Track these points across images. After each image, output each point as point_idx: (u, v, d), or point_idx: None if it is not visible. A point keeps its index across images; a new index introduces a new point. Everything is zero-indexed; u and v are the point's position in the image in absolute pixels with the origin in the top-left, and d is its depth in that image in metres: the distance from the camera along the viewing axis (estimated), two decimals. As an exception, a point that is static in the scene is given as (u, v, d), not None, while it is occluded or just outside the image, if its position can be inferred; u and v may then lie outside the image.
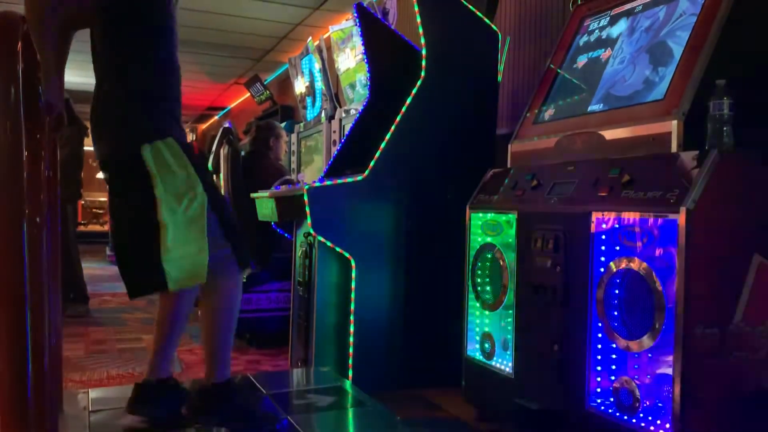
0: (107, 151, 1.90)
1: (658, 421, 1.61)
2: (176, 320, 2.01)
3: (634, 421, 1.66)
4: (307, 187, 2.65)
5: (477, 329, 2.41)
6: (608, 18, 2.29)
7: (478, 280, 2.37)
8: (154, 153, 1.81)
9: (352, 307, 2.69)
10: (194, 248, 1.81)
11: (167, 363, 2.03)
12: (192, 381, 2.14)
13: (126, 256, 1.89)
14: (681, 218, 1.52)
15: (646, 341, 1.63)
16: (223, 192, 3.81)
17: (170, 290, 1.83)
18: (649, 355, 1.65)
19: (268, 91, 7.66)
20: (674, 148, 1.72)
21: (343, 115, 4.42)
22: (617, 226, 1.74)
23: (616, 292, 1.73)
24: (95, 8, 1.89)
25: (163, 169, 1.81)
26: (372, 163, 2.71)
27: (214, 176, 4.07)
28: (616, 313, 1.73)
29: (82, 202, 11.45)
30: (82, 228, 11.06)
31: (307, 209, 2.61)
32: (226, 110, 11.18)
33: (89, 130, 1.96)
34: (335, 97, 4.91)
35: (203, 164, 1.97)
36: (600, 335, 1.79)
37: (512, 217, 2.18)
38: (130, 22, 1.89)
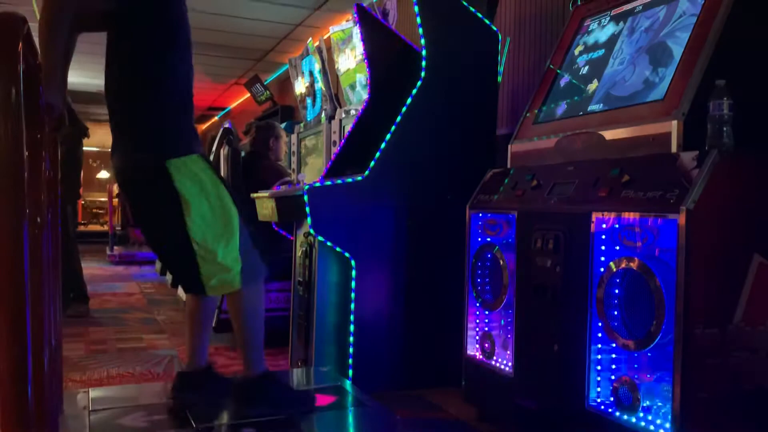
0: (131, 164, 1.92)
1: (658, 421, 1.61)
2: (207, 314, 2.14)
3: (634, 420, 1.67)
4: (307, 187, 2.65)
5: (477, 329, 2.41)
6: (608, 18, 2.29)
7: (478, 280, 2.37)
8: (182, 169, 1.84)
9: (352, 307, 2.69)
10: (227, 261, 1.89)
11: (204, 351, 2.13)
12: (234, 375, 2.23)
13: (167, 263, 2.07)
14: (681, 218, 1.52)
15: (646, 341, 1.63)
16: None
17: (207, 294, 1.95)
18: (649, 354, 1.66)
19: (268, 91, 7.66)
20: (674, 148, 1.72)
21: (343, 115, 4.42)
22: (617, 226, 1.75)
23: (616, 291, 1.73)
24: (111, 14, 1.90)
25: (190, 185, 1.84)
26: (372, 163, 2.71)
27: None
28: (616, 312, 1.73)
29: (82, 202, 11.46)
30: (82, 228, 11.07)
31: (307, 209, 2.61)
32: (226, 111, 11.19)
33: (111, 141, 1.97)
34: (335, 98, 4.91)
35: (223, 177, 2.03)
36: (600, 335, 1.79)
37: (512, 217, 2.18)
38: (148, 27, 1.90)
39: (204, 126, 12.87)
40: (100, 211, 13.54)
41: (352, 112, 4.29)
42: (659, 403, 1.63)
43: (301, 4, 5.46)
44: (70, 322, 4.13)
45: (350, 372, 2.68)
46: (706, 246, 1.55)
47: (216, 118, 11.86)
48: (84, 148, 4.78)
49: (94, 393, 2.24)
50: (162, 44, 1.91)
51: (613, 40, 2.21)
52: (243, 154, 4.18)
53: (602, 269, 1.78)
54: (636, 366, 1.71)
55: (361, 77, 4.38)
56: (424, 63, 2.78)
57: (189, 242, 1.85)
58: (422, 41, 2.78)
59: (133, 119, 1.91)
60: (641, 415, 1.65)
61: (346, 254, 2.69)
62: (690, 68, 1.77)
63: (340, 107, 4.62)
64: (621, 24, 2.21)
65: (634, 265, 1.67)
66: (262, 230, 3.64)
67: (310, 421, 2.04)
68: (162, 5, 1.91)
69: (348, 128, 3.56)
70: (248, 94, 8.52)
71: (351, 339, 2.69)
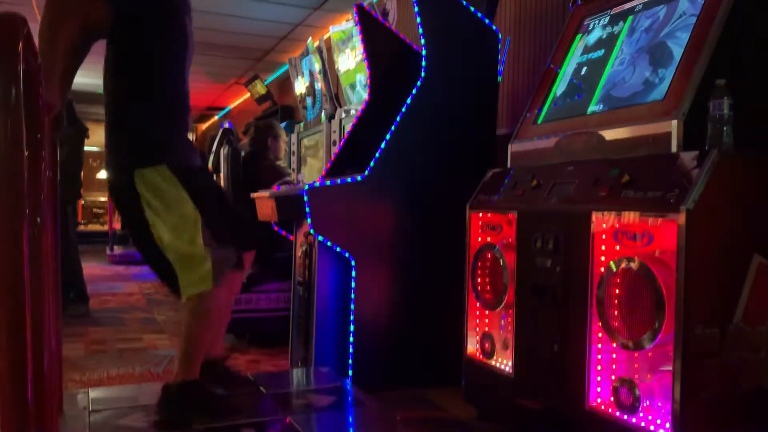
0: (109, 175, 2.05)
1: (658, 421, 1.61)
2: (217, 314, 2.09)
3: (634, 420, 1.67)
4: (307, 187, 2.65)
5: (477, 329, 2.41)
6: (608, 18, 2.29)
7: (478, 280, 2.37)
8: (145, 178, 1.92)
9: (352, 307, 2.69)
10: (195, 262, 1.93)
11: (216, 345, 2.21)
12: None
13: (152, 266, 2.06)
14: (681, 218, 1.52)
15: (646, 341, 1.63)
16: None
17: (184, 299, 1.97)
18: (649, 354, 1.66)
19: (259, 81, 7.65)
20: (674, 148, 1.72)
21: (343, 115, 4.42)
22: (617, 226, 1.75)
23: (616, 291, 1.73)
24: (109, 16, 1.92)
25: (152, 193, 1.92)
26: (372, 163, 2.70)
27: (215, 176, 4.07)
28: (616, 312, 1.73)
29: (82, 202, 11.46)
30: (82, 228, 11.06)
31: (307, 209, 2.61)
32: (226, 110, 11.19)
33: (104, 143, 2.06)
34: (335, 98, 4.91)
35: (200, 182, 2.04)
36: (600, 335, 1.79)
37: (512, 217, 2.18)
38: (143, 34, 1.94)
39: (204, 126, 12.88)
40: (100, 211, 13.53)
41: (352, 112, 4.29)
42: (659, 403, 1.63)
43: (301, 4, 5.46)
44: (70, 322, 4.13)
45: (350, 372, 2.68)
46: (706, 246, 1.55)
47: (216, 117, 11.86)
48: (84, 148, 4.78)
49: (94, 393, 2.24)
50: (151, 53, 1.95)
51: (613, 39, 2.21)
52: (243, 153, 4.18)
53: (602, 269, 1.78)
54: (636, 366, 1.71)
55: (361, 77, 4.38)
56: (424, 63, 2.78)
57: (158, 247, 1.96)
58: (422, 41, 2.78)
59: (116, 123, 2.00)
60: (641, 415, 1.65)
61: (346, 254, 2.69)
62: (690, 68, 1.77)
63: (340, 107, 4.62)
64: (621, 24, 2.21)
65: (634, 265, 1.67)
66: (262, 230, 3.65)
67: (310, 421, 2.04)
68: (158, 18, 1.94)
69: (348, 128, 3.56)
70: (248, 94, 8.52)
71: (351, 339, 2.69)
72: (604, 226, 1.79)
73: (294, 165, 5.44)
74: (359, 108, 3.48)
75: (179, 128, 2.03)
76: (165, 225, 1.93)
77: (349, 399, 2.29)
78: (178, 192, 1.92)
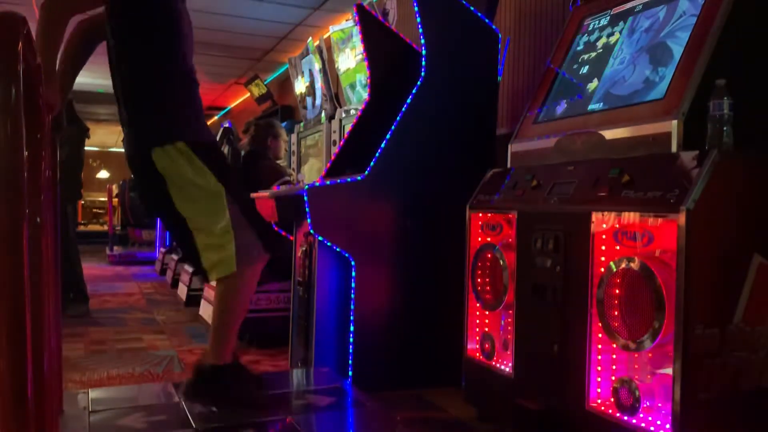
0: (126, 152, 2.05)
1: (658, 421, 1.61)
2: (245, 297, 2.09)
3: (634, 421, 1.66)
4: (307, 187, 2.65)
5: (477, 329, 2.41)
6: (608, 18, 2.29)
7: (478, 280, 2.37)
8: (164, 156, 1.92)
9: (352, 307, 2.69)
10: (218, 240, 1.94)
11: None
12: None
13: (178, 245, 2.10)
14: (681, 218, 1.52)
15: (646, 341, 1.63)
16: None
17: (209, 280, 2.01)
18: (649, 355, 1.66)
19: (258, 80, 7.65)
20: (674, 148, 1.72)
21: (343, 115, 4.42)
22: (617, 226, 1.74)
23: (616, 292, 1.73)
24: (107, 6, 1.95)
25: (172, 171, 1.92)
26: (372, 163, 2.70)
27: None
28: (616, 313, 1.73)
29: (82, 202, 11.46)
30: (82, 228, 11.07)
31: (307, 209, 2.61)
32: (226, 110, 11.19)
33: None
34: (335, 97, 4.91)
35: (219, 158, 2.06)
36: (600, 335, 1.79)
37: (512, 217, 2.18)
38: (134, 19, 1.95)
39: (204, 126, 12.84)
40: (100, 211, 13.54)
41: (352, 112, 4.29)
42: (659, 404, 1.63)
43: (301, 4, 5.46)
44: (70, 322, 4.13)
45: (350, 372, 2.67)
46: (706, 246, 1.55)
47: (216, 117, 11.86)
48: (85, 148, 4.78)
49: (93, 393, 2.24)
50: (149, 36, 1.96)
51: (613, 40, 2.21)
52: (242, 153, 4.18)
53: (602, 269, 1.78)
54: (636, 366, 1.71)
55: (361, 77, 4.38)
56: (424, 63, 2.78)
57: (185, 223, 1.95)
58: (422, 41, 2.78)
59: (129, 107, 2.00)
60: (641, 415, 1.65)
61: (346, 254, 2.69)
62: (690, 68, 1.77)
63: (340, 107, 4.62)
64: (621, 24, 2.21)
65: (634, 265, 1.67)
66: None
67: (310, 422, 2.04)
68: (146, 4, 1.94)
69: (348, 128, 3.56)
70: (248, 94, 8.52)
71: (351, 339, 2.69)
72: (604, 226, 1.79)
73: (294, 165, 5.44)
74: (359, 108, 3.48)
75: (191, 105, 2.04)
76: (188, 202, 1.94)
77: (349, 399, 2.29)
78: (200, 167, 1.93)
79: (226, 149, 3.93)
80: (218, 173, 1.95)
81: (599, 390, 1.80)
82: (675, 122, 1.72)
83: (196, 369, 2.04)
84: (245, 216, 1.99)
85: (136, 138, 1.99)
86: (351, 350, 2.68)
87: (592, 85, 2.18)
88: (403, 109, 2.76)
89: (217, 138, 5.24)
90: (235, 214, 1.95)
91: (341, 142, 3.32)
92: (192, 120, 2.01)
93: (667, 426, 1.57)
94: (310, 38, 5.28)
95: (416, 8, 2.76)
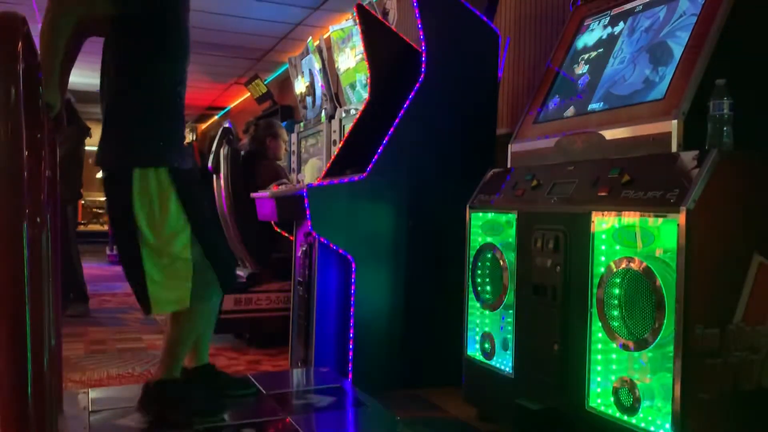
0: (103, 163, 1.95)
1: (658, 421, 1.61)
2: (194, 332, 2.05)
3: (634, 421, 1.66)
4: (307, 187, 2.65)
5: (477, 329, 2.41)
6: (608, 18, 2.29)
7: (478, 280, 2.37)
8: (141, 179, 1.85)
9: (352, 307, 2.69)
10: (176, 279, 1.89)
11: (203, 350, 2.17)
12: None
13: (124, 272, 1.96)
14: (681, 218, 1.52)
15: (646, 341, 1.63)
16: (222, 193, 3.80)
17: (150, 313, 1.92)
18: (649, 354, 1.65)
19: (262, 83, 7.65)
20: (674, 147, 1.72)
21: (343, 115, 4.42)
22: (617, 226, 1.74)
23: (616, 292, 1.73)
24: (109, 17, 1.91)
25: (144, 196, 1.85)
26: (372, 163, 2.70)
27: (214, 177, 4.06)
28: (616, 313, 1.73)
29: (82, 202, 11.46)
30: (82, 228, 11.06)
31: (307, 209, 2.61)
32: (226, 110, 11.19)
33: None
34: (335, 97, 4.91)
35: (195, 190, 2.00)
36: (600, 335, 1.79)
37: (512, 217, 2.18)
38: (139, 35, 1.92)
39: (204, 126, 12.87)
40: (100, 211, 13.53)
41: (352, 111, 4.29)
42: (659, 404, 1.63)
43: (301, 4, 5.46)
44: (70, 322, 4.13)
45: (350, 372, 2.67)
46: (706, 246, 1.55)
47: (216, 117, 11.86)
48: (85, 148, 4.78)
49: (93, 393, 2.24)
50: (149, 51, 1.92)
51: (613, 39, 2.21)
52: (242, 153, 4.17)
53: (602, 269, 1.78)
54: (636, 366, 1.71)
55: (361, 77, 4.38)
56: (423, 63, 2.78)
57: (139, 254, 1.86)
58: (422, 41, 2.78)
59: (111, 120, 1.94)
60: (641, 415, 1.65)
61: (346, 254, 2.69)
62: (690, 68, 1.77)
63: (340, 107, 4.62)
64: (621, 24, 2.21)
65: (634, 265, 1.67)
66: (262, 230, 3.65)
67: (310, 422, 2.04)
68: (156, 15, 1.92)
69: (348, 128, 3.56)
70: (248, 94, 8.52)
71: (351, 339, 2.69)
72: (604, 226, 1.79)
73: (294, 165, 5.44)
74: (359, 108, 3.48)
75: (178, 129, 2.01)
76: (151, 230, 1.86)
77: (349, 399, 2.29)
78: (172, 198, 1.87)
79: (225, 149, 3.92)
80: (189, 208, 1.90)
81: (599, 390, 1.80)
82: (675, 122, 1.72)
83: (144, 387, 2.02)
84: (208, 258, 1.93)
85: (115, 152, 1.91)
86: (351, 350, 2.68)
87: (592, 85, 2.18)
88: (403, 108, 2.76)
89: (217, 138, 5.24)
90: (197, 256, 1.90)
91: (341, 142, 3.32)
92: (178, 145, 1.96)
93: (667, 426, 1.57)
94: (310, 38, 5.29)
95: (416, 8, 2.76)
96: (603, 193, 1.79)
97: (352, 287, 2.69)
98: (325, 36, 5.29)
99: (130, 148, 1.91)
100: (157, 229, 1.87)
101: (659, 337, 1.59)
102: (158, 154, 1.89)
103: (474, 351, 2.41)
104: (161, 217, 1.86)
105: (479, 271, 2.36)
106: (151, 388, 1.99)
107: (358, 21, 3.23)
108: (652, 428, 1.62)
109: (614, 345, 1.74)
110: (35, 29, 1.54)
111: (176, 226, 1.88)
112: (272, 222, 3.45)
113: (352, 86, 4.60)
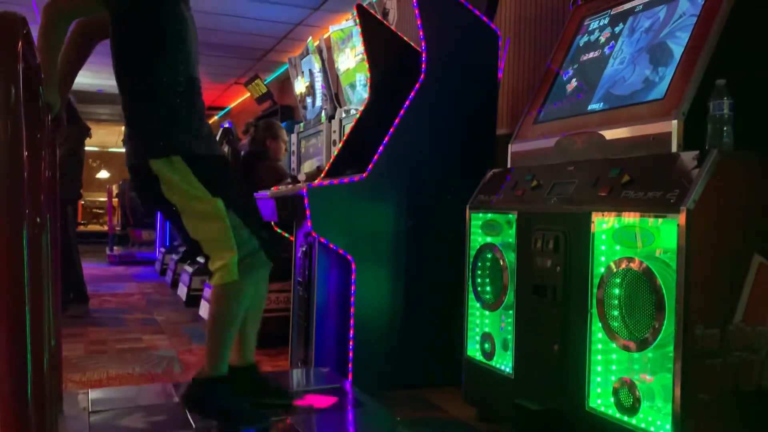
0: (126, 161, 2.01)
1: (658, 422, 1.61)
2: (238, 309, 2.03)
3: (634, 421, 1.66)
4: (307, 187, 2.65)
5: (477, 329, 2.41)
6: (608, 18, 2.29)
7: (478, 280, 2.37)
8: (163, 168, 1.89)
9: (352, 307, 2.69)
10: (220, 251, 1.93)
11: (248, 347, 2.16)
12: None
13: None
14: (681, 218, 1.52)
15: (646, 341, 1.63)
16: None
17: (213, 285, 1.96)
18: (650, 355, 1.65)
19: (262, 83, 7.64)
20: (674, 148, 1.72)
21: (343, 115, 4.42)
22: (617, 226, 1.74)
23: (616, 292, 1.73)
24: (110, 17, 1.92)
25: (170, 184, 1.90)
26: (372, 163, 2.70)
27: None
28: (616, 313, 1.73)
29: (82, 202, 11.46)
30: (82, 228, 11.07)
31: (307, 209, 2.61)
32: (226, 110, 11.19)
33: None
34: (335, 97, 4.91)
35: (218, 170, 2.02)
36: (600, 335, 1.79)
37: (512, 217, 2.18)
38: (139, 28, 1.93)
39: (204, 126, 12.84)
40: (100, 211, 13.54)
41: (352, 112, 4.29)
42: (659, 404, 1.63)
43: (301, 4, 5.46)
44: (70, 322, 4.13)
45: (350, 372, 2.67)
46: (706, 246, 1.55)
47: (216, 117, 11.86)
48: (85, 148, 4.78)
49: (93, 394, 2.24)
50: (147, 50, 1.93)
51: (613, 40, 2.21)
52: (242, 153, 4.18)
53: (602, 269, 1.78)
54: (636, 367, 1.71)
55: (361, 77, 4.38)
56: (423, 63, 2.78)
57: (187, 233, 1.96)
58: (422, 41, 2.78)
59: (127, 122, 1.98)
60: (641, 416, 1.65)
61: (346, 254, 2.69)
62: (690, 68, 1.77)
63: (340, 107, 4.62)
64: (621, 24, 2.21)
65: (634, 265, 1.67)
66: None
67: (310, 422, 2.04)
68: (149, 12, 1.92)
69: (348, 128, 3.56)
70: (248, 94, 8.51)
71: (351, 339, 2.69)
72: (604, 226, 1.79)
73: (294, 165, 5.44)
74: (359, 108, 3.48)
75: (191, 116, 1.99)
76: (188, 211, 1.93)
77: (349, 399, 2.29)
78: (194, 181, 1.90)
79: (225, 149, 3.92)
80: (214, 187, 1.92)
81: (599, 390, 1.80)
82: (675, 122, 1.72)
83: (193, 380, 2.00)
84: (247, 226, 1.97)
85: (134, 149, 1.96)
86: (351, 350, 2.68)
87: (593, 86, 2.18)
88: (403, 109, 2.76)
89: (217, 138, 5.24)
90: (235, 223, 1.93)
91: (341, 142, 3.32)
92: (191, 131, 1.97)
93: (668, 427, 1.57)
94: (310, 38, 5.28)
95: (416, 8, 2.76)
96: (603, 194, 1.79)
97: (352, 287, 2.69)
98: (325, 36, 5.29)
99: (143, 145, 1.94)
100: (190, 203, 1.92)
101: (659, 337, 1.59)
102: (169, 144, 1.91)
103: (474, 351, 2.41)
104: (192, 194, 1.91)
105: (479, 272, 2.36)
106: (199, 384, 1.97)
107: (358, 21, 3.23)
108: (652, 429, 1.62)
109: (614, 345, 1.74)
110: (35, 30, 1.54)
111: (207, 199, 1.92)
112: (272, 222, 3.45)
113: (352, 86, 4.59)
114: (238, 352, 2.11)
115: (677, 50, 1.88)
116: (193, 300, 4.84)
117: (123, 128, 2.06)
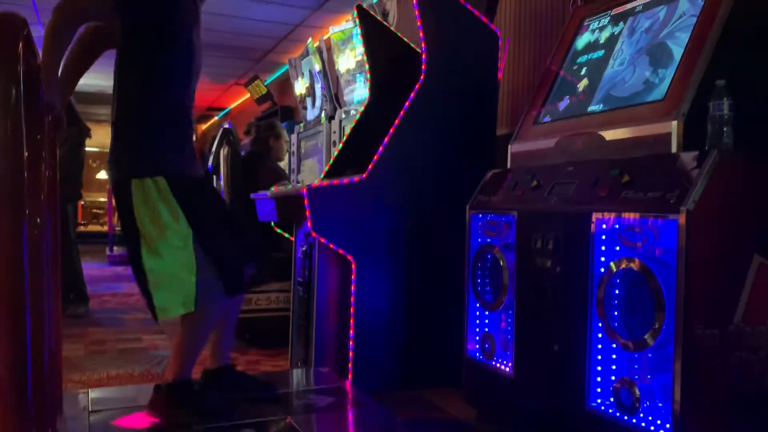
0: (110, 175, 1.99)
1: (658, 421, 1.61)
2: (207, 330, 2.05)
3: (634, 421, 1.66)
4: (307, 187, 2.65)
5: (477, 329, 2.41)
6: (608, 18, 2.29)
7: (478, 280, 2.37)
8: (141, 189, 1.87)
9: (352, 307, 2.69)
10: (178, 281, 1.88)
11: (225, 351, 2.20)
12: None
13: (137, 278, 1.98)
14: (681, 218, 1.52)
15: (646, 341, 1.63)
16: (222, 194, 3.80)
17: (158, 320, 1.92)
18: (649, 355, 1.65)
19: (259, 81, 7.65)
20: (674, 148, 1.72)
21: (343, 115, 4.42)
22: (617, 226, 1.74)
23: (616, 292, 1.73)
24: (119, 28, 1.92)
25: (145, 205, 1.88)
26: (372, 164, 2.71)
27: (214, 177, 4.07)
28: (616, 313, 1.73)
29: (82, 202, 11.46)
30: (82, 228, 11.06)
31: (307, 209, 2.61)
32: (226, 111, 11.20)
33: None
34: (335, 98, 4.91)
35: (197, 196, 1.98)
36: (600, 335, 1.79)
37: (512, 217, 2.18)
38: (147, 47, 1.93)
39: (204, 126, 12.88)
40: (100, 212, 13.53)
41: (352, 112, 4.29)
42: (659, 404, 1.63)
43: (301, 5, 5.46)
44: (70, 322, 4.13)
45: (350, 372, 2.68)
46: (706, 246, 1.55)
47: (216, 118, 11.87)
48: (85, 148, 4.78)
49: (93, 394, 2.24)
50: (151, 63, 1.93)
51: (613, 40, 2.21)
52: (243, 154, 4.18)
53: (602, 269, 1.78)
54: (636, 366, 1.71)
55: (361, 77, 4.38)
56: (423, 63, 2.78)
57: (139, 254, 1.89)
58: (422, 41, 2.78)
59: (115, 132, 1.98)
60: (641, 415, 1.65)
61: (346, 254, 2.69)
62: (690, 68, 1.77)
63: (340, 107, 4.62)
64: (621, 24, 2.21)
65: (634, 265, 1.67)
66: (262, 230, 3.65)
67: (310, 422, 2.04)
68: (160, 26, 1.92)
69: (348, 128, 3.56)
70: (248, 95, 8.52)
71: (351, 339, 2.69)
72: (604, 226, 1.79)
73: (294, 165, 5.44)
74: (359, 108, 3.48)
75: (180, 140, 1.99)
76: (153, 238, 1.88)
77: (349, 400, 2.29)
78: (175, 205, 1.88)
79: (225, 150, 3.92)
80: (192, 215, 1.89)
81: (599, 390, 1.80)
82: (675, 123, 1.72)
83: (154, 388, 2.02)
84: (213, 262, 1.92)
85: (117, 163, 1.95)
86: (351, 350, 2.68)
87: (593, 86, 2.18)
88: (403, 109, 2.76)
89: (217, 139, 5.24)
90: (200, 259, 1.89)
91: (341, 143, 3.32)
92: (180, 153, 1.96)
93: (667, 426, 1.57)
94: (310, 39, 5.29)
95: (416, 9, 2.76)
96: (603, 194, 1.79)
97: (352, 287, 2.69)
98: (325, 37, 5.29)
99: (128, 159, 1.93)
100: (159, 230, 1.88)
101: (659, 337, 1.59)
102: (155, 163, 1.90)
103: (474, 351, 2.41)
104: (163, 222, 1.88)
105: (479, 272, 2.36)
106: (162, 389, 1.99)
107: (358, 22, 3.23)
108: (652, 428, 1.62)
109: (614, 345, 1.74)
110: (35, 30, 1.55)
111: (179, 231, 1.88)
112: (272, 222, 3.45)
113: (349, 84, 4.60)
114: (213, 357, 2.17)
115: (677, 51, 1.88)
116: (193, 300, 4.82)
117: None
